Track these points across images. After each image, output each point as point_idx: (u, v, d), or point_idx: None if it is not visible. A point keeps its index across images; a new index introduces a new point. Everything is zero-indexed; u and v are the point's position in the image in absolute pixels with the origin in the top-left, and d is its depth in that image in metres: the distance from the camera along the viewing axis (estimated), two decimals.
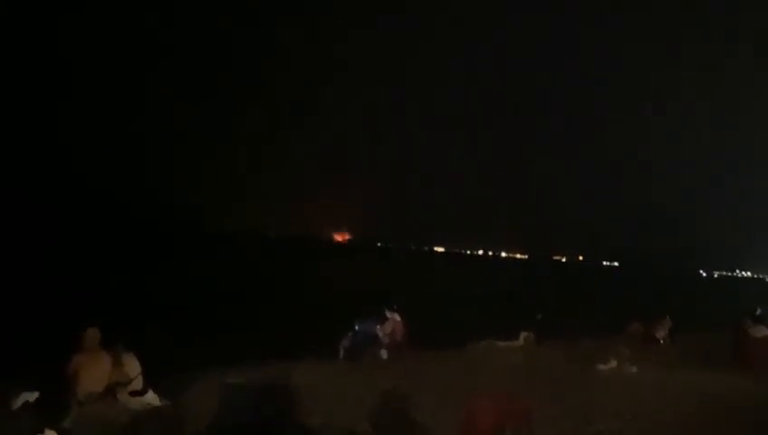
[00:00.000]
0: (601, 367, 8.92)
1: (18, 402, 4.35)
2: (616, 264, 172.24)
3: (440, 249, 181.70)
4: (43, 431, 4.28)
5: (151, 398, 5.42)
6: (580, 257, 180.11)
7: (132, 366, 5.45)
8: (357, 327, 9.00)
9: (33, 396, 4.41)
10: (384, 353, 8.99)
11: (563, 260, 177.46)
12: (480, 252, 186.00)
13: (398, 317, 9.44)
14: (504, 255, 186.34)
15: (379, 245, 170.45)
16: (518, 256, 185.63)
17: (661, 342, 11.85)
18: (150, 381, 5.50)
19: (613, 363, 9.02)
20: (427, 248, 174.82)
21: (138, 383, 5.41)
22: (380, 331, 9.14)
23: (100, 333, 5.36)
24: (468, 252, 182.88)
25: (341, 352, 8.84)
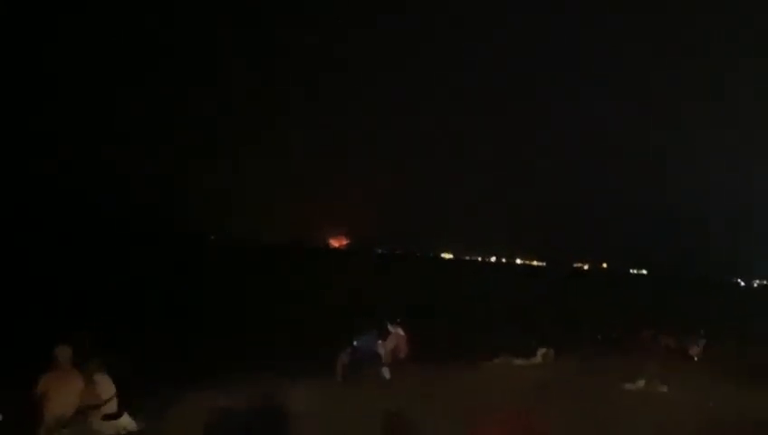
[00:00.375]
0: (629, 386, 8.84)
1: None
2: (644, 272, 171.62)
3: (448, 256, 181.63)
4: None
5: (126, 422, 5.37)
6: (604, 265, 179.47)
7: (106, 387, 5.40)
8: (355, 343, 8.95)
9: None
10: (386, 372, 8.93)
11: (585, 268, 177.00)
12: (492, 259, 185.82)
13: (401, 331, 9.41)
14: (519, 262, 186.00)
15: (379, 251, 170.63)
16: (535, 263, 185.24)
17: (695, 358, 11.75)
18: (126, 403, 5.44)
19: (641, 383, 8.94)
20: (433, 255, 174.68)
21: (112, 406, 5.36)
22: (382, 347, 9.09)
23: (71, 350, 5.32)
24: (479, 259, 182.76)
25: (338, 372, 8.77)
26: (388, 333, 9.30)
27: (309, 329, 14.57)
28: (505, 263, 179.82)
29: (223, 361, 10.08)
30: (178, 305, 18.86)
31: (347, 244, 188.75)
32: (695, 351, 11.85)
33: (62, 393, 5.15)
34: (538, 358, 11.13)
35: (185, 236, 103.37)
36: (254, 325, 15.54)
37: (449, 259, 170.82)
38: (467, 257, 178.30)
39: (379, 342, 9.12)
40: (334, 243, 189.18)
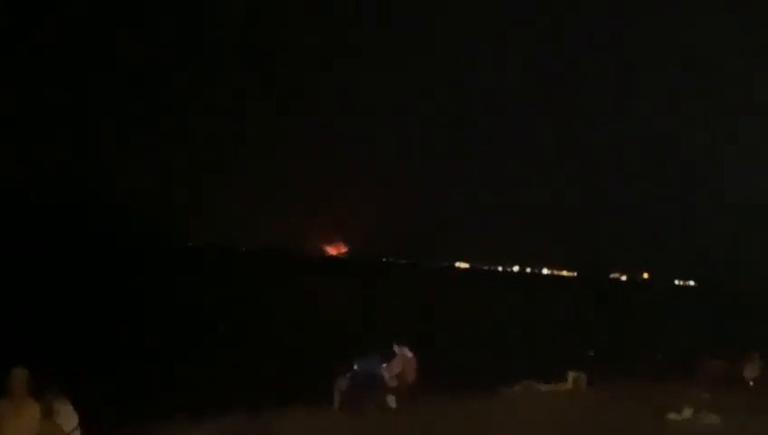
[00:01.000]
0: (673, 417, 8.80)
1: None
2: (691, 283, 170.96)
3: (463, 265, 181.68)
4: None
5: None
6: (645, 275, 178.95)
7: (68, 417, 5.41)
8: (356, 366, 8.95)
9: None
10: (391, 401, 8.92)
11: (623, 279, 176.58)
12: (515, 268, 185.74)
13: (409, 353, 9.40)
14: (546, 272, 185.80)
15: (384, 260, 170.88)
16: (564, 273, 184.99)
17: (750, 383, 11.70)
18: None
19: (688, 412, 8.89)
20: (446, 264, 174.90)
21: None
22: (387, 371, 9.08)
23: (26, 374, 5.34)
24: (500, 269, 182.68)
25: (337, 400, 8.77)
26: (394, 354, 9.30)
27: (301, 350, 14.62)
28: (530, 273, 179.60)
29: (202, 388, 10.10)
30: (152, 324, 18.91)
31: (345, 252, 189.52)
32: (750, 375, 11.80)
33: (17, 424, 5.15)
34: (568, 384, 11.08)
35: (157, 246, 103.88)
36: (238, 346, 15.62)
37: (464, 269, 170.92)
38: (486, 267, 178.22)
39: (383, 365, 9.12)
40: (331, 251, 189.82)
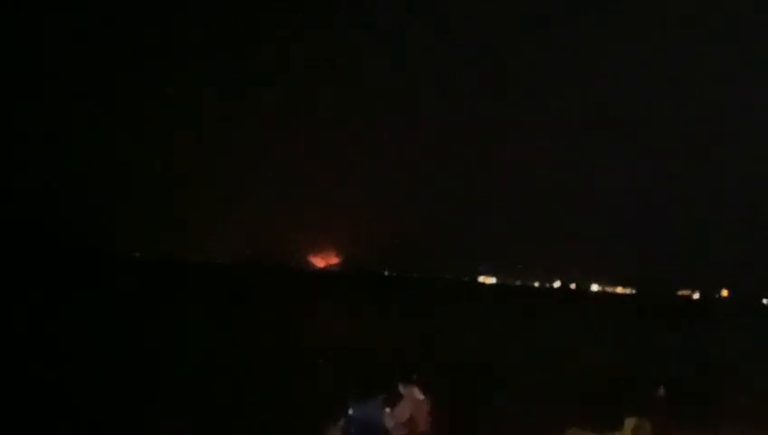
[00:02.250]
0: None
1: None
2: None
3: (489, 280, 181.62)
4: None
5: None
6: (724, 293, 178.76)
7: None
8: (351, 411, 9.02)
9: None
10: None
11: (695, 297, 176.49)
12: (556, 284, 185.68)
13: (418, 394, 9.45)
14: (595, 289, 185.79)
15: (386, 273, 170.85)
16: (619, 290, 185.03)
17: None
18: None
19: None
20: (467, 279, 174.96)
21: None
22: (390, 417, 9.15)
23: None
24: (536, 284, 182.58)
25: None
26: (400, 396, 9.36)
27: (280, 391, 14.73)
28: (574, 290, 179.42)
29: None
30: (106, 352, 19.20)
31: (338, 263, 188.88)
32: None
33: None
34: (626, 433, 11.12)
35: (104, 256, 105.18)
36: (202, 385, 15.79)
37: (491, 285, 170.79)
38: (518, 283, 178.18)
39: (387, 410, 9.17)
40: (319, 262, 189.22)
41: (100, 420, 12.07)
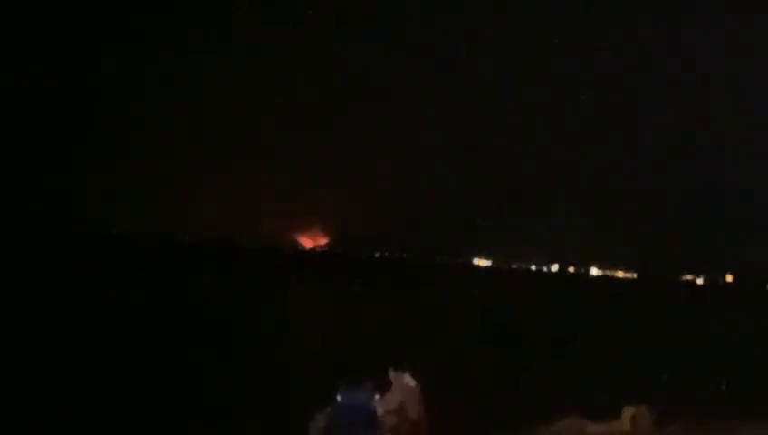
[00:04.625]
0: None
1: None
2: None
3: (484, 263, 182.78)
4: None
5: None
6: (729, 278, 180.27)
7: None
8: (339, 398, 8.93)
9: None
10: None
11: (700, 282, 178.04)
12: (554, 268, 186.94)
13: (410, 381, 9.37)
14: (595, 273, 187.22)
15: (377, 255, 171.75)
16: (620, 274, 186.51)
17: None
18: None
19: None
20: (461, 261, 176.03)
21: None
22: (380, 404, 9.07)
23: None
24: (533, 268, 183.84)
25: None
26: (390, 382, 9.27)
27: (264, 375, 14.72)
28: (573, 274, 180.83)
29: (140, 426, 10.28)
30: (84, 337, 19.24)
31: (326, 244, 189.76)
32: None
33: None
34: (624, 422, 11.12)
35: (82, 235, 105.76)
36: (182, 370, 15.69)
37: (486, 268, 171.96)
38: (514, 265, 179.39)
39: (376, 397, 9.10)
40: (307, 242, 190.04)
41: (87, 401, 11.99)
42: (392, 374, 9.30)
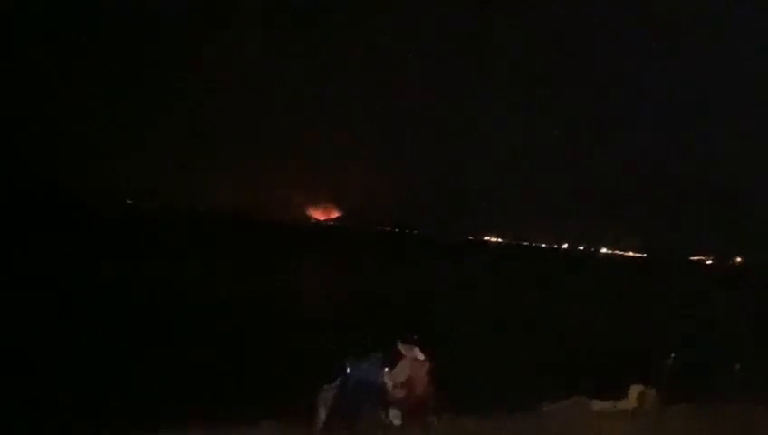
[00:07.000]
0: None
1: None
2: None
3: (494, 240, 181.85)
4: None
5: None
6: (738, 259, 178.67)
7: None
8: (348, 370, 9.04)
9: None
10: (396, 417, 9.06)
11: (708, 262, 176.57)
12: (563, 246, 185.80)
13: (418, 354, 9.47)
14: (604, 251, 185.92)
15: (386, 229, 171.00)
16: (630, 254, 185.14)
17: None
18: None
19: None
20: (470, 238, 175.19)
21: None
22: (389, 377, 9.18)
23: None
24: (543, 246, 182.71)
25: (322, 415, 8.93)
26: (399, 355, 9.35)
27: (275, 349, 14.76)
28: (582, 252, 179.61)
29: (148, 399, 10.32)
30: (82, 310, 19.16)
31: (337, 217, 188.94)
32: None
33: None
34: (631, 401, 11.28)
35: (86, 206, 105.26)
36: (192, 342, 15.74)
37: (495, 245, 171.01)
38: (524, 243, 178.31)
39: (385, 369, 9.20)
40: (318, 215, 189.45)
41: (87, 373, 12.11)
42: (402, 348, 9.41)
